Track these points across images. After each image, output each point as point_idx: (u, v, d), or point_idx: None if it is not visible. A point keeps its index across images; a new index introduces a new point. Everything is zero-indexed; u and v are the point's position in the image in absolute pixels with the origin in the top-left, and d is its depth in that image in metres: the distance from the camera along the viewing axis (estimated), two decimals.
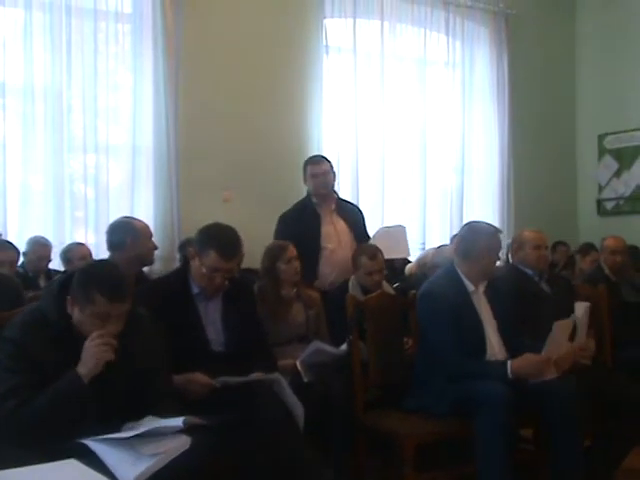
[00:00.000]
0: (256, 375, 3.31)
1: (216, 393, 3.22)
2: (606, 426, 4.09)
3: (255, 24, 6.49)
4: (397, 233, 5.29)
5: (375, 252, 4.62)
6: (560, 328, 3.70)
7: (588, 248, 6.77)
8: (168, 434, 2.57)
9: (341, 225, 5.05)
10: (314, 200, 5.10)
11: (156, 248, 4.32)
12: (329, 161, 5.24)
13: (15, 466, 2.04)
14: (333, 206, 5.13)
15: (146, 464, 2.41)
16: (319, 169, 5.11)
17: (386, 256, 4.72)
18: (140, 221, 4.34)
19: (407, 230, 5.51)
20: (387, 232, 5.27)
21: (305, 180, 5.20)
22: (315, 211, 5.05)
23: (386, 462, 3.93)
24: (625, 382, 4.22)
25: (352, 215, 5.20)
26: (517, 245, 4.55)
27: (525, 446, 4.28)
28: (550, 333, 3.67)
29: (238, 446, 3.07)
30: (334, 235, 5.01)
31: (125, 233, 4.10)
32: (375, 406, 3.94)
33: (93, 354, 2.60)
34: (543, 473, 3.83)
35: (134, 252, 4.06)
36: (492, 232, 3.97)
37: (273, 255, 4.33)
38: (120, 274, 2.74)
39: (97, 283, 2.62)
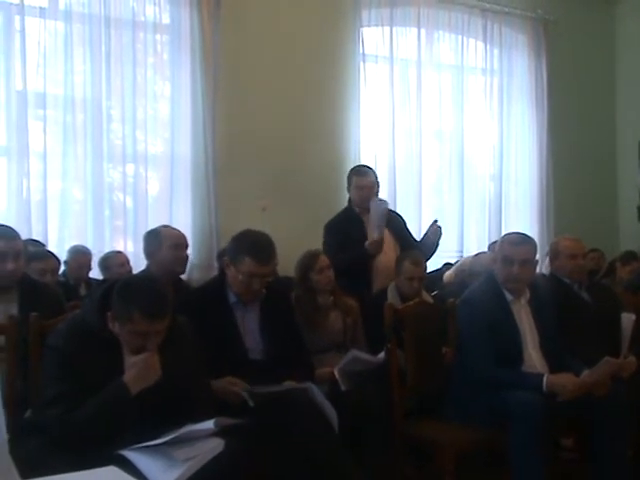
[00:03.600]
0: (288, 384, 3.31)
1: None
2: None
3: (292, 34, 6.51)
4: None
5: (419, 259, 4.63)
6: (608, 365, 3.65)
7: (629, 257, 6.66)
8: (201, 438, 2.59)
9: (386, 233, 5.02)
10: (356, 209, 5.10)
11: (186, 258, 4.32)
12: (374, 172, 5.24)
13: (55, 473, 2.05)
14: None
15: (180, 470, 2.42)
16: (365, 182, 5.10)
17: None
18: (171, 230, 4.35)
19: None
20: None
21: (349, 189, 5.20)
22: (359, 219, 5.05)
23: (422, 471, 3.90)
24: None
25: (396, 222, 5.19)
26: (553, 254, 4.51)
27: (565, 455, 4.24)
28: (598, 364, 3.62)
29: (271, 448, 3.07)
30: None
31: (152, 241, 4.15)
32: (412, 415, 3.93)
33: (143, 372, 2.64)
34: None
35: (159, 260, 4.09)
36: (513, 242, 3.92)
37: (304, 265, 4.34)
38: (159, 289, 2.74)
39: (136, 302, 2.63)
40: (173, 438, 2.50)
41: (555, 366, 3.77)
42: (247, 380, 3.26)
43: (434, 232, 5.17)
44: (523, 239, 3.94)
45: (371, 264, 4.93)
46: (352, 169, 5.38)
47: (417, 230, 6.57)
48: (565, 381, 3.59)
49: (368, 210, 5.05)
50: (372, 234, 4.88)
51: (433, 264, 5.78)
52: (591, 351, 3.86)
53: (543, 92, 7.69)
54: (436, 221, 5.24)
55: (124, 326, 2.64)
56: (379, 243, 4.85)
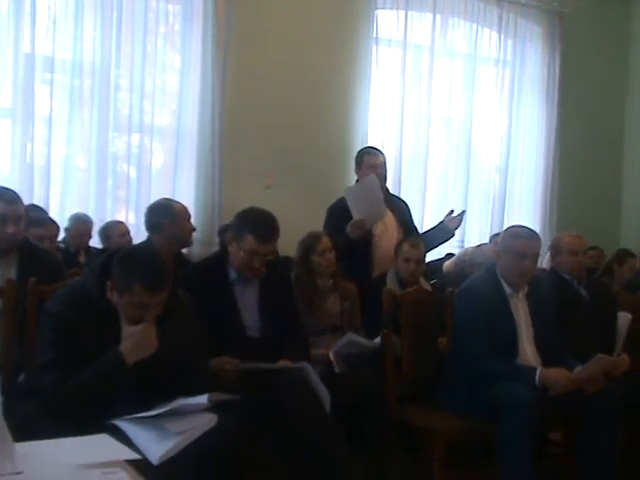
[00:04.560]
0: (282, 362, 3.32)
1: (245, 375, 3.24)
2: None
3: (306, 11, 6.48)
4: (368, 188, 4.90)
5: (417, 242, 4.63)
6: (601, 361, 3.66)
7: (624, 255, 6.70)
8: (194, 412, 2.59)
9: (389, 217, 5.02)
10: None
11: (194, 230, 4.40)
12: (383, 153, 5.22)
13: (48, 437, 2.08)
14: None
15: (172, 442, 2.42)
16: (377, 160, 5.06)
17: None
18: (178, 203, 4.40)
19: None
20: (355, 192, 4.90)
21: (358, 169, 5.14)
22: None
23: (414, 456, 3.92)
24: None
25: (400, 209, 5.17)
26: (554, 250, 4.52)
27: (553, 449, 4.26)
28: (591, 360, 3.64)
29: (263, 425, 3.09)
30: (381, 226, 4.97)
31: (163, 214, 4.15)
32: (406, 401, 3.93)
33: (140, 343, 2.63)
34: (572, 476, 3.80)
35: (171, 233, 4.11)
36: (526, 237, 3.91)
37: (306, 246, 4.34)
38: (161, 262, 2.73)
39: (137, 273, 2.61)
40: (166, 411, 2.50)
41: (548, 360, 3.78)
42: (243, 357, 3.27)
43: (453, 221, 5.19)
44: (534, 233, 3.96)
45: (373, 248, 4.92)
46: (361, 150, 5.35)
47: (419, 218, 6.58)
48: (558, 376, 3.60)
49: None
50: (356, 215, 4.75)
51: (435, 253, 5.79)
52: (586, 347, 3.87)
53: (555, 86, 7.66)
54: (452, 211, 5.25)
55: (123, 296, 2.63)
56: (359, 225, 4.70)
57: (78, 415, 2.43)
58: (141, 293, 2.60)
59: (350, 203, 4.75)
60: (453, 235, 5.32)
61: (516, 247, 3.83)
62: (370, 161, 5.06)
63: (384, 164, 5.11)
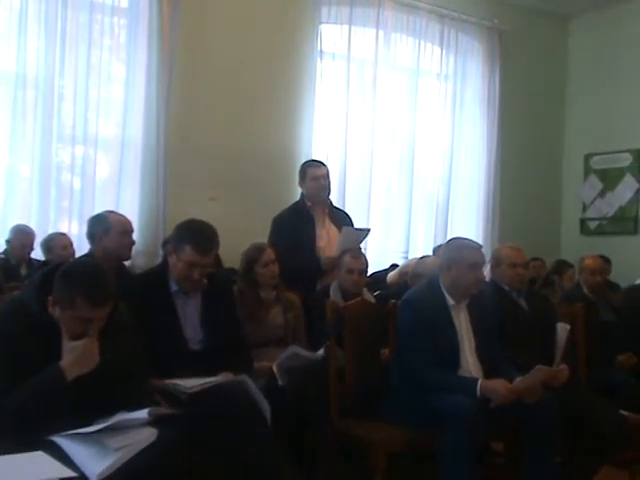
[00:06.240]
0: (224, 375, 3.31)
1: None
2: (577, 443, 4.12)
3: (251, 25, 6.50)
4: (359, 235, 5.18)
5: (359, 253, 4.67)
6: (540, 372, 3.72)
7: (562, 266, 6.84)
8: (134, 426, 2.57)
9: (333, 230, 5.08)
10: (308, 203, 5.11)
11: (133, 244, 4.27)
12: (326, 166, 5.27)
13: None
14: (326, 210, 5.16)
15: (112, 458, 2.40)
16: (320, 171, 5.14)
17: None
18: (118, 216, 4.28)
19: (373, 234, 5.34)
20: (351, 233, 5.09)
21: (302, 182, 5.21)
22: (309, 214, 5.07)
23: (357, 469, 3.93)
24: (599, 402, 4.25)
25: (344, 222, 5.21)
26: (495, 262, 4.58)
27: (496, 460, 4.31)
28: (530, 372, 3.69)
29: (204, 439, 3.06)
30: (325, 238, 5.04)
31: (97, 226, 4.08)
32: (349, 413, 3.94)
33: (81, 358, 2.60)
34: None
35: (103, 246, 4.03)
36: (475, 248, 3.99)
37: (250, 258, 4.33)
38: (103, 276, 2.69)
39: (80, 288, 2.58)
40: (106, 426, 2.48)
41: (490, 371, 3.83)
42: (184, 370, 3.25)
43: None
44: (479, 244, 4.09)
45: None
46: (304, 163, 5.43)
47: None
48: (498, 387, 3.64)
49: (321, 203, 5.09)
50: (336, 250, 4.84)
51: (380, 265, 5.82)
52: (525, 358, 3.94)
53: (495, 100, 7.82)
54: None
55: (65, 311, 2.60)
56: (334, 260, 4.78)
57: (15, 432, 2.39)
58: (84, 308, 2.58)
59: (342, 238, 4.87)
60: None
61: (468, 258, 3.88)
62: (313, 173, 5.12)
63: (327, 175, 5.17)
